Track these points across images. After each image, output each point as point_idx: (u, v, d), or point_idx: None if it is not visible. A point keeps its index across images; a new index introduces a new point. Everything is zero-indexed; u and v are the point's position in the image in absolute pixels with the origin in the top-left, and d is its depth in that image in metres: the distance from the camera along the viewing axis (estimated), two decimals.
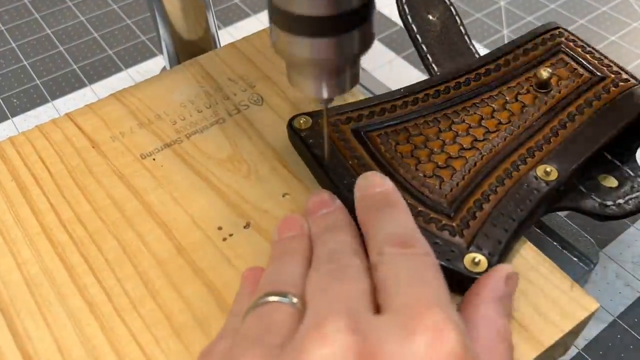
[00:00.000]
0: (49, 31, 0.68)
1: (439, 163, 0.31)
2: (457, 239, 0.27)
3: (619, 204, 0.30)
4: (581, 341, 0.39)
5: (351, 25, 0.24)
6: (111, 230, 0.31)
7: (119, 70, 0.63)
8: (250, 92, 0.38)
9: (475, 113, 0.33)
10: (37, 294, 0.28)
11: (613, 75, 0.34)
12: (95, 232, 0.31)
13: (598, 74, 0.34)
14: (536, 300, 0.27)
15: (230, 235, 0.30)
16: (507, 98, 0.34)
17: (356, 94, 0.37)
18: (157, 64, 0.64)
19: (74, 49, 0.66)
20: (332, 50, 0.24)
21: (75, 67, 0.64)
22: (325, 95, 0.27)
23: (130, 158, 0.34)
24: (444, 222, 0.28)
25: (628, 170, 0.32)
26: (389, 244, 0.23)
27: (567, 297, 0.27)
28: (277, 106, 0.37)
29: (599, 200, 0.31)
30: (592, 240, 0.38)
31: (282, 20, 0.24)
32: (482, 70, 0.35)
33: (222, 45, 0.43)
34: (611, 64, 0.35)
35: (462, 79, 0.35)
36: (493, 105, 0.33)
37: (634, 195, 0.31)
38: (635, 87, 0.34)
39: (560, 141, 0.31)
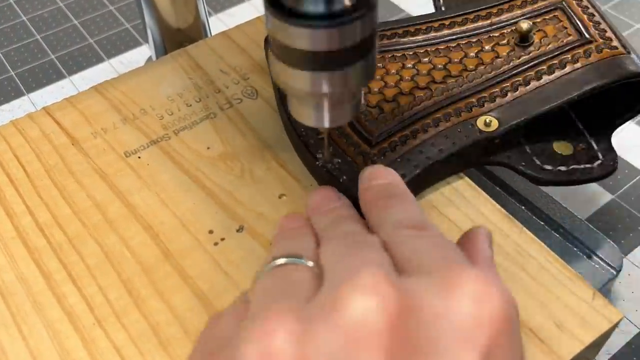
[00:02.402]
0: (24, 18, 0.68)
1: (387, 96, 0.33)
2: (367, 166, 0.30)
3: (558, 170, 0.32)
4: (604, 355, 0.39)
5: (354, 58, 0.24)
6: (92, 234, 0.31)
7: (100, 60, 0.63)
8: (244, 85, 0.38)
9: (445, 56, 0.35)
10: (12, 303, 0.29)
11: (602, 40, 0.34)
12: (75, 236, 0.31)
13: (586, 36, 0.35)
14: (555, 310, 0.27)
15: (222, 239, 0.31)
16: (484, 47, 0.35)
17: None
18: (143, 54, 0.64)
19: (52, 37, 0.66)
20: (334, 84, 0.25)
21: (53, 57, 0.64)
22: (326, 125, 0.27)
23: (113, 156, 0.34)
24: (362, 148, 0.31)
25: (592, 142, 0.33)
26: (402, 227, 0.24)
27: (589, 307, 0.27)
28: (272, 100, 0.37)
29: (537, 162, 0.32)
30: (615, 245, 0.38)
31: (281, 52, 0.24)
32: (471, 16, 0.37)
33: (213, 34, 0.43)
34: (607, 29, 0.35)
35: (447, 22, 0.36)
36: (466, 51, 0.35)
37: (581, 167, 0.32)
38: (621, 56, 0.34)
39: (516, 97, 0.32)
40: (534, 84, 0.33)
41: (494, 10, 0.37)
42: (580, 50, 0.34)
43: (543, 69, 0.33)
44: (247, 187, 0.33)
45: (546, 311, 0.27)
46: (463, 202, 0.31)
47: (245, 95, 0.38)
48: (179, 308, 0.28)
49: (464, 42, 0.35)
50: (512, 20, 0.36)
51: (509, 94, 0.32)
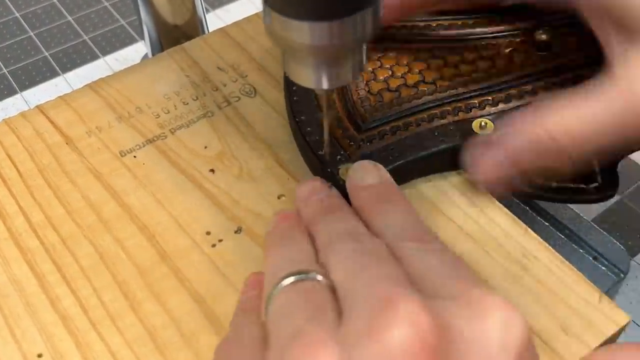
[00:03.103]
0: (17, 14, 0.68)
1: (390, 86, 0.33)
2: (352, 149, 0.31)
3: (548, 187, 0.31)
4: None
5: (355, 6, 0.24)
6: (87, 235, 0.31)
7: (95, 57, 0.63)
8: (242, 83, 0.38)
9: (458, 54, 0.35)
10: (4, 306, 0.28)
11: None
12: (69, 237, 0.31)
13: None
14: (560, 313, 0.27)
15: (220, 241, 0.31)
16: (501, 50, 0.35)
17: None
18: (138, 51, 0.64)
19: (45, 34, 0.66)
20: (333, 36, 0.24)
21: (46, 54, 0.64)
22: (325, 86, 0.27)
23: (108, 155, 0.34)
24: (350, 132, 0.31)
25: (594, 161, 0.32)
26: (404, 239, 0.24)
27: (595, 310, 0.27)
28: (271, 98, 0.37)
29: None
30: (622, 247, 0.38)
31: (277, 0, 0.24)
32: (496, 19, 0.36)
33: (210, 31, 0.43)
34: None
35: (470, 21, 0.36)
36: (482, 53, 0.35)
37: (574, 186, 0.31)
38: None
39: (520, 104, 0.32)
40: (542, 94, 0.33)
41: (520, 16, 0.36)
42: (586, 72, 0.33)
43: (555, 81, 0.33)
44: (245, 187, 0.33)
45: (551, 314, 0.27)
46: (465, 202, 0.31)
47: (243, 93, 0.38)
48: (175, 311, 0.28)
49: (482, 43, 0.35)
50: (536, 26, 0.35)
51: (513, 101, 0.32)
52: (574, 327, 0.27)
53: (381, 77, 0.34)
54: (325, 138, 0.31)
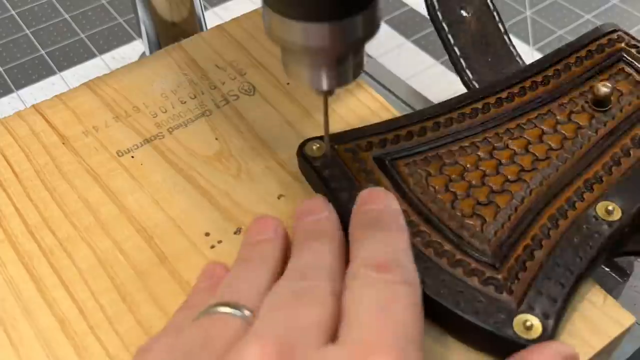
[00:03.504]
0: (13, 12, 0.68)
1: (480, 199, 0.29)
2: (504, 296, 0.26)
3: None
4: None
5: (354, 8, 0.23)
6: (84, 237, 0.31)
7: (92, 56, 0.63)
8: (241, 81, 0.38)
9: (521, 136, 0.32)
10: (1, 310, 0.28)
11: None
12: (66, 239, 0.31)
13: None
14: (565, 314, 0.27)
15: (219, 242, 0.30)
16: (559, 118, 0.32)
17: (361, 85, 0.37)
18: (136, 49, 0.64)
19: (42, 32, 0.66)
20: (332, 38, 0.24)
21: (43, 52, 0.63)
22: (325, 87, 0.26)
23: (106, 155, 0.34)
24: (488, 274, 0.26)
25: None
26: (365, 266, 0.24)
27: (599, 311, 0.27)
28: (270, 96, 0.37)
29: None
30: None
31: (275, 1, 0.24)
32: (528, 84, 0.34)
33: (208, 28, 0.43)
34: None
35: (504, 94, 0.33)
36: (542, 127, 0.32)
37: None
38: None
39: (623, 172, 0.30)
40: (634, 152, 0.30)
41: (550, 72, 0.34)
42: None
43: (637, 133, 0.31)
44: (244, 188, 0.33)
45: None
46: None
47: (242, 91, 0.38)
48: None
49: (533, 115, 0.32)
50: (576, 82, 0.34)
51: (614, 170, 0.30)
52: (577, 329, 0.27)
53: (462, 192, 0.29)
54: (325, 137, 0.31)
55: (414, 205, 0.29)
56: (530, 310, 0.25)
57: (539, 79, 0.34)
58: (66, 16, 0.68)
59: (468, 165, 0.31)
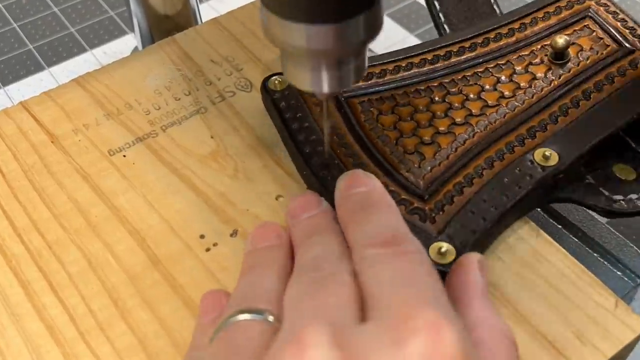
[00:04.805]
0: None
1: (424, 138, 0.31)
2: (427, 224, 0.28)
3: (631, 199, 0.31)
4: None
5: (356, 9, 0.24)
6: (74, 239, 0.31)
7: (82, 51, 0.63)
8: (237, 76, 0.38)
9: (476, 83, 0.34)
10: None
11: None
12: (56, 242, 0.31)
13: (627, 45, 0.34)
14: (574, 319, 0.27)
15: (215, 244, 0.30)
16: (516, 68, 0.34)
17: None
18: (128, 43, 0.64)
19: (30, 25, 0.66)
20: (333, 40, 0.24)
21: (31, 47, 0.63)
22: (325, 90, 0.27)
23: (96, 155, 0.34)
24: (415, 204, 0.29)
25: None
26: (371, 246, 0.24)
27: (611, 316, 0.27)
28: None
29: (606, 193, 0.31)
30: (639, 250, 0.38)
31: (274, 1, 0.24)
32: (492, 35, 0.36)
33: (203, 22, 0.43)
34: None
35: (467, 44, 0.35)
36: (498, 76, 0.34)
37: None
38: None
39: (569, 122, 0.32)
40: (584, 104, 0.32)
41: (516, 25, 0.36)
42: (625, 62, 0.34)
43: (589, 86, 0.33)
44: (241, 188, 0.32)
45: (565, 320, 0.27)
46: None
47: (238, 87, 0.38)
48: (168, 319, 0.28)
49: (492, 65, 0.34)
50: (539, 35, 0.35)
51: (560, 120, 0.32)
52: (588, 334, 0.27)
53: (409, 131, 0.32)
54: (325, 140, 0.31)
55: (360, 140, 0.31)
56: (449, 239, 0.28)
57: (504, 30, 0.36)
58: (55, 9, 0.68)
59: (421, 107, 0.33)
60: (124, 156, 0.34)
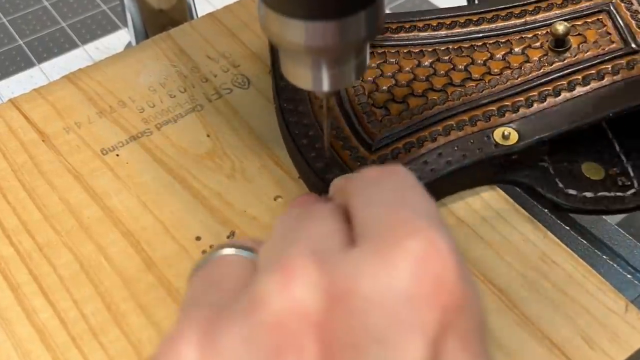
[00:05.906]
0: None
1: (396, 96, 0.33)
2: None
3: (584, 197, 0.31)
4: None
5: (357, 5, 0.24)
6: (66, 241, 0.31)
7: (74, 46, 0.63)
8: (234, 73, 0.38)
9: (468, 56, 0.35)
10: None
11: None
12: (47, 244, 0.31)
13: (632, 45, 0.34)
14: (582, 323, 0.27)
15: (211, 246, 0.30)
16: (514, 49, 0.35)
17: None
18: (121, 39, 0.64)
19: (20, 20, 0.66)
20: (333, 37, 0.24)
21: (21, 42, 0.63)
22: (326, 88, 0.27)
23: (89, 154, 0.34)
24: (360, 152, 0.31)
25: (628, 167, 0.32)
26: (362, 178, 0.23)
27: (621, 321, 0.27)
28: (266, 89, 0.37)
29: (560, 184, 0.31)
30: None
31: None
32: (503, 13, 0.36)
33: (199, 16, 0.43)
34: None
35: (474, 17, 0.36)
36: (493, 52, 0.35)
37: (611, 195, 0.31)
38: None
39: (544, 109, 0.32)
40: (564, 95, 0.33)
41: (530, 7, 0.36)
42: (623, 61, 0.34)
43: (577, 78, 0.33)
44: (238, 188, 0.32)
45: (573, 324, 0.27)
46: (479, 200, 0.31)
47: (235, 84, 0.38)
48: (163, 324, 0.28)
49: (491, 41, 0.35)
50: (549, 21, 0.36)
51: (535, 105, 0.32)
52: (597, 339, 0.27)
53: (384, 87, 0.33)
54: (325, 141, 0.31)
55: None
56: None
57: (516, 11, 0.37)
58: (46, 3, 0.68)
59: (406, 68, 0.34)
60: (117, 155, 0.34)
